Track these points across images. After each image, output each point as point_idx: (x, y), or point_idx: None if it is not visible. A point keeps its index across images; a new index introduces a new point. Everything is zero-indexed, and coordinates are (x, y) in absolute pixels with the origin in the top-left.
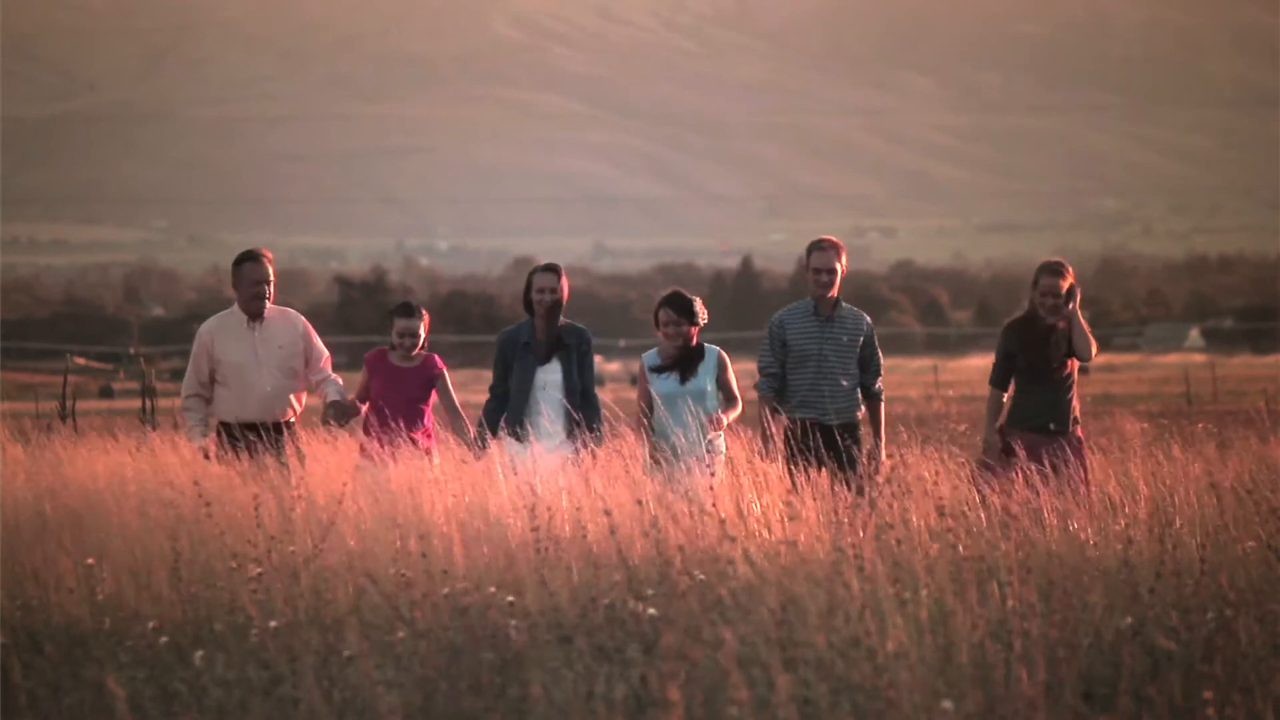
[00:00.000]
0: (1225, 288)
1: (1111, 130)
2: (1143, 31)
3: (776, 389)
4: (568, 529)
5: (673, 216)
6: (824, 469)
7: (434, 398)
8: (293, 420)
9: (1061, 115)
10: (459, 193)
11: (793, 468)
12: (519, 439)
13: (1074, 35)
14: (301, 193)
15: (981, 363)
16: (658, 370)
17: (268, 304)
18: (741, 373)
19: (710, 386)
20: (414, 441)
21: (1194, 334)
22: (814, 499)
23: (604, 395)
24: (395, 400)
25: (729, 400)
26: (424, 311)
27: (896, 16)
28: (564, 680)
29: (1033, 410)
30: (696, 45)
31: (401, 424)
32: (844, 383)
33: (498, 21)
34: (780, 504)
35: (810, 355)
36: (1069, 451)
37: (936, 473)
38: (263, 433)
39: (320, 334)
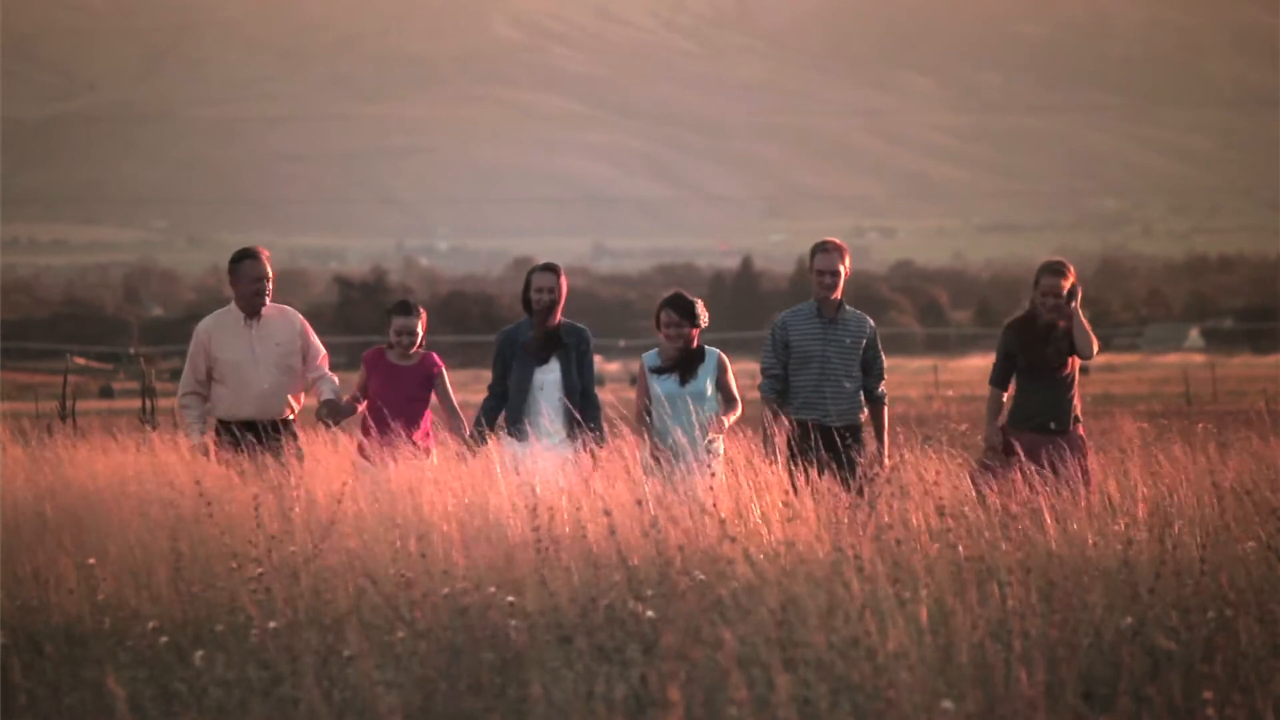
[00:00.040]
0: (1225, 288)
1: (1111, 130)
2: (1143, 31)
3: (779, 390)
4: (568, 529)
5: (672, 217)
6: (825, 470)
7: (432, 397)
8: (291, 418)
9: (1061, 115)
10: (459, 193)
11: (794, 469)
12: (519, 439)
13: (1074, 35)
14: (301, 193)
15: (981, 363)
16: (658, 371)
17: (267, 301)
18: (741, 373)
19: (710, 388)
20: (413, 441)
21: (1194, 334)
22: (814, 500)
23: (604, 395)
24: (394, 399)
25: (728, 402)
26: (421, 310)
27: (896, 16)
28: (564, 680)
29: (1033, 409)
30: (696, 45)
31: (400, 422)
32: (846, 384)
33: (498, 21)
34: (780, 505)
35: (813, 356)
36: (1070, 450)
37: (937, 473)
38: (261, 431)
39: (320, 334)
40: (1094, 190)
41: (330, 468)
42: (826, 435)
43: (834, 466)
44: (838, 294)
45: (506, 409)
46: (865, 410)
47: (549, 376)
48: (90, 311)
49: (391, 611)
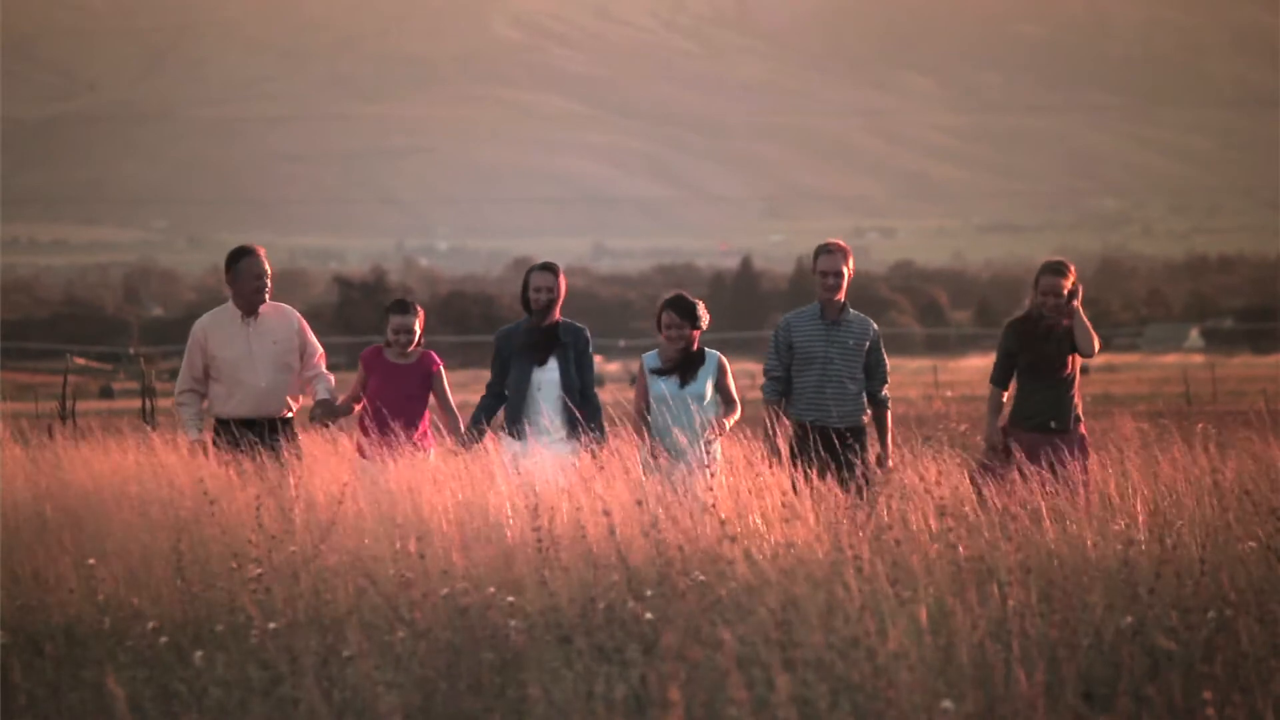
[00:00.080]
0: (1225, 288)
1: (1111, 130)
2: (1143, 31)
3: (781, 392)
4: (567, 529)
5: (672, 217)
6: (826, 472)
7: (430, 397)
8: (289, 416)
9: (1061, 115)
10: (459, 193)
11: (795, 470)
12: (518, 439)
13: (1074, 35)
14: (301, 193)
15: (981, 363)
16: (658, 373)
17: (266, 299)
18: (740, 373)
19: (709, 390)
20: (412, 439)
21: (1194, 334)
22: (813, 500)
23: (604, 395)
24: (393, 397)
25: (728, 404)
26: (419, 308)
27: (896, 16)
28: (564, 680)
29: (1034, 409)
30: (696, 45)
31: (399, 421)
32: (849, 386)
33: (498, 21)
34: (779, 505)
35: (816, 357)
36: (1070, 450)
37: (939, 472)
38: (259, 429)
39: (320, 334)
40: (1094, 190)
41: (330, 467)
42: (829, 436)
43: (834, 467)
44: (841, 295)
45: (506, 409)
46: (868, 412)
47: (547, 376)
48: (90, 311)
49: (391, 611)
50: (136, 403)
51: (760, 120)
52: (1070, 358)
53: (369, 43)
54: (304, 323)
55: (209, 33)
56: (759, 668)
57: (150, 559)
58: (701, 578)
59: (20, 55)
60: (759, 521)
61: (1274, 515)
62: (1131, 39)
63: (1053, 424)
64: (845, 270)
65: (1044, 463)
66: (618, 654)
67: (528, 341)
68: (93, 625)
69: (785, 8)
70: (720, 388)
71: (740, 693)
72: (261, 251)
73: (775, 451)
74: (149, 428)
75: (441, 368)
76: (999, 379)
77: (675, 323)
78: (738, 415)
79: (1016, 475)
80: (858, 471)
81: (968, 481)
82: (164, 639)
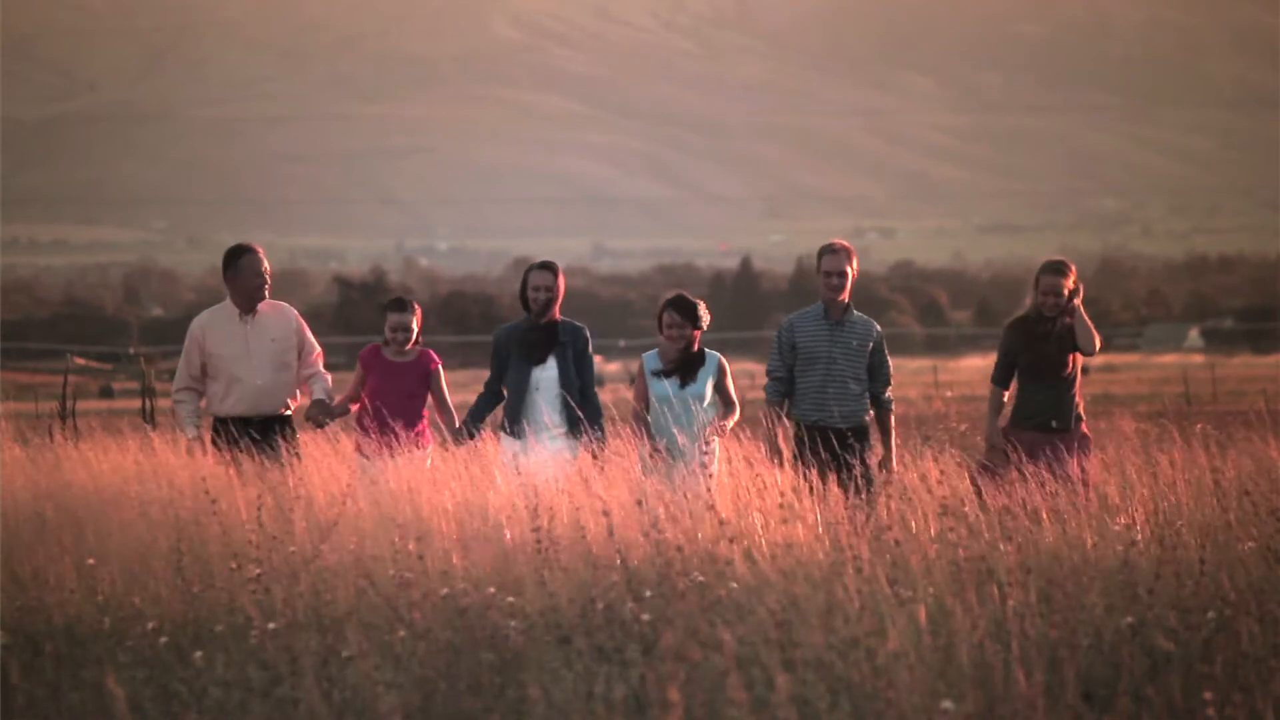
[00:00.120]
0: (1225, 288)
1: (1111, 130)
2: (1143, 31)
3: (784, 393)
4: (567, 529)
5: (672, 217)
6: (827, 472)
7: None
8: (288, 414)
9: (1061, 115)
10: (458, 193)
11: (798, 470)
12: (518, 438)
13: (1074, 35)
14: (301, 193)
15: (980, 363)
16: (658, 374)
17: (266, 296)
18: (740, 373)
19: (709, 391)
20: (413, 437)
21: (1193, 334)
22: (813, 500)
23: (604, 395)
24: (391, 395)
25: (727, 405)
26: (417, 306)
27: (896, 16)
28: (563, 681)
29: (1035, 408)
30: (696, 46)
31: (398, 419)
32: (852, 386)
33: (498, 21)
34: (779, 505)
35: (819, 357)
36: (1070, 449)
37: (941, 472)
38: (257, 427)
39: (320, 334)
40: (1094, 190)
41: (330, 467)
42: (831, 437)
43: (837, 468)
44: (845, 296)
45: (505, 408)
46: (870, 413)
47: (546, 375)
48: (90, 311)
49: (391, 611)
50: (136, 403)
51: (760, 120)
52: (1071, 357)
53: (369, 43)
54: (302, 321)
55: (209, 33)
56: (759, 668)
57: (150, 559)
58: (701, 578)
59: (20, 55)
60: (759, 522)
61: (1274, 515)
62: (1131, 39)
63: (1054, 424)
64: (849, 270)
65: (1043, 462)
66: (617, 654)
67: (526, 340)
68: (93, 625)
69: (785, 8)
70: (720, 388)
71: (740, 693)
72: (260, 250)
73: (776, 452)
74: (149, 428)
75: (440, 366)
76: (1000, 379)
77: (676, 322)
78: (736, 416)
79: (1016, 475)
80: (855, 471)
81: (968, 481)
82: (164, 639)
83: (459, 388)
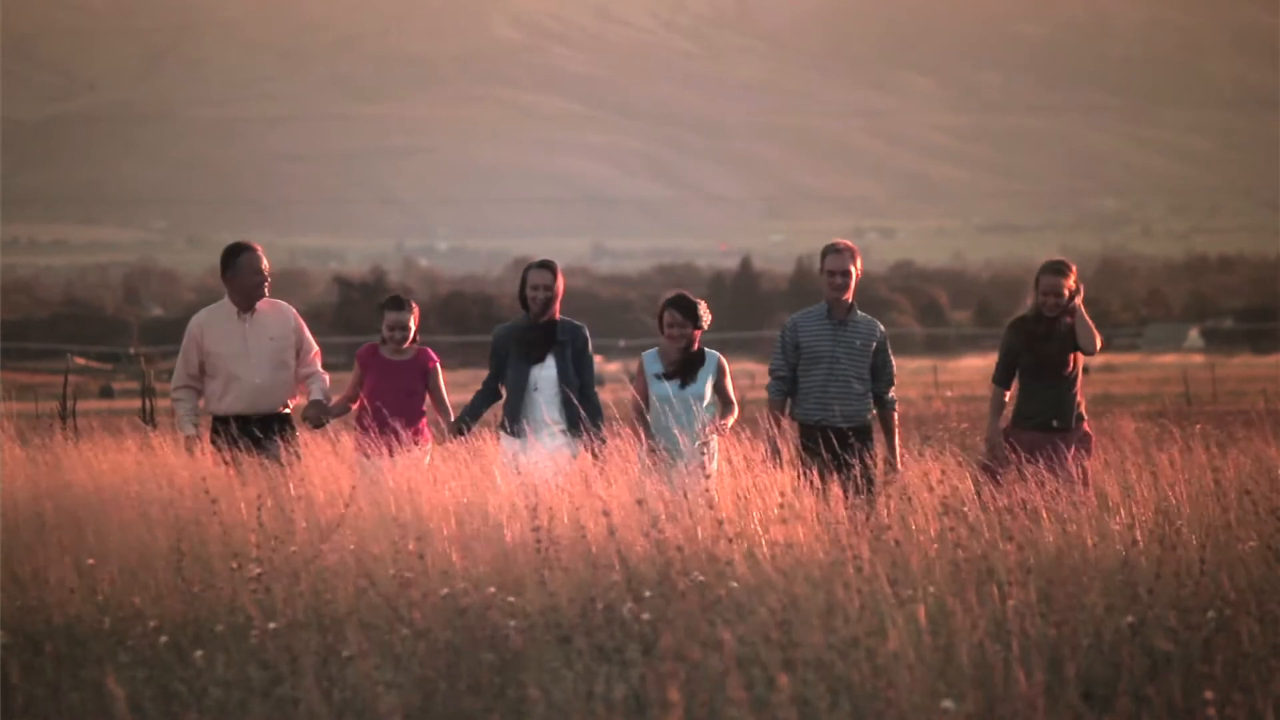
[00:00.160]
0: (1225, 288)
1: (1111, 130)
2: (1143, 31)
3: (786, 392)
4: (567, 529)
5: (672, 217)
6: (833, 472)
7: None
8: (286, 413)
9: (1061, 115)
10: (458, 193)
11: (805, 469)
12: (518, 437)
13: (1074, 35)
14: (301, 193)
15: (981, 363)
16: (659, 376)
17: (265, 294)
18: (740, 373)
19: (708, 391)
20: (412, 435)
21: (1194, 334)
22: (814, 500)
23: (604, 395)
24: (390, 393)
25: (726, 405)
26: (414, 305)
27: (896, 16)
28: (563, 680)
29: (1036, 408)
30: (696, 46)
31: (397, 417)
32: (855, 386)
33: (498, 22)
34: (778, 505)
35: (822, 356)
36: (1070, 448)
37: (943, 472)
38: (255, 426)
39: (320, 334)
40: (1094, 190)
41: (330, 466)
42: (834, 437)
43: (840, 468)
44: (849, 295)
45: (505, 407)
46: (873, 413)
47: (545, 374)
48: (90, 311)
49: (391, 611)
50: (136, 403)
51: (760, 120)
52: (1072, 357)
53: (369, 43)
54: (300, 320)
55: (209, 33)
56: (759, 668)
57: (150, 559)
58: (701, 578)
59: (20, 55)
60: (758, 521)
61: (1274, 515)
62: (1131, 39)
63: (1055, 423)
64: (853, 270)
65: (1044, 462)
66: (617, 654)
67: (525, 339)
68: (93, 625)
69: (785, 8)
70: (719, 388)
71: (740, 693)
72: (259, 248)
73: (776, 452)
74: (149, 428)
75: (438, 364)
76: (1001, 379)
77: (677, 321)
78: (735, 416)
79: (1016, 475)
80: (855, 471)
81: (969, 481)
82: (164, 639)
83: (459, 388)
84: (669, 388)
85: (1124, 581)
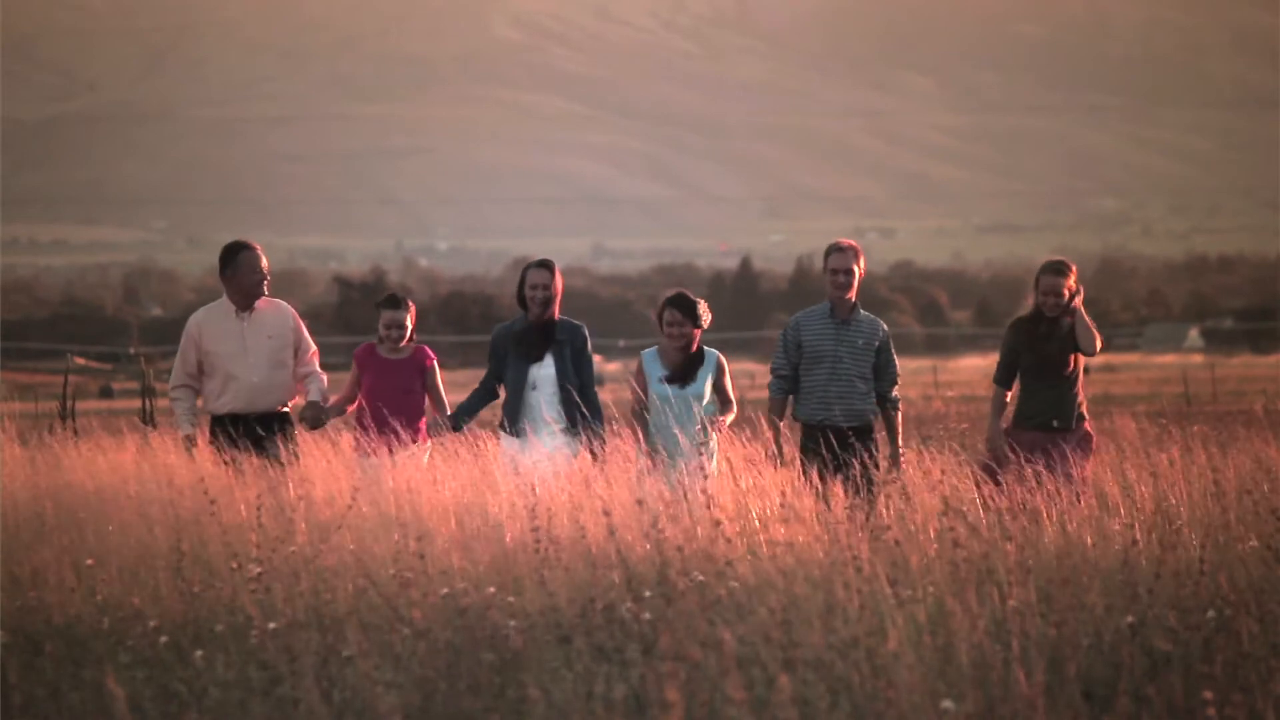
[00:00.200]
0: (1225, 288)
1: (1111, 130)
2: (1143, 31)
3: (787, 391)
4: (567, 529)
5: (672, 217)
6: (835, 472)
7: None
8: (286, 412)
9: (1061, 115)
10: (458, 193)
11: (806, 469)
12: (517, 436)
13: (1074, 35)
14: (301, 193)
15: (980, 363)
16: (661, 380)
17: (265, 293)
18: (739, 373)
19: (708, 390)
20: (410, 434)
21: (1193, 334)
22: (815, 500)
23: (604, 395)
24: (388, 391)
25: (725, 404)
26: (410, 303)
27: (896, 16)
28: (563, 681)
29: (1037, 408)
30: (696, 46)
31: (398, 417)
32: (858, 385)
33: (498, 22)
34: (778, 505)
35: (825, 356)
36: (1072, 448)
37: (943, 472)
38: (254, 425)
39: (320, 334)
40: (1094, 190)
41: (329, 466)
42: (836, 436)
43: (842, 467)
44: (852, 295)
45: (504, 407)
46: (876, 413)
47: (544, 373)
48: (90, 311)
49: (391, 611)
50: (136, 403)
51: (760, 120)
52: (1073, 357)
53: (369, 43)
54: (299, 319)
55: (209, 33)
56: (759, 668)
57: (150, 559)
58: (701, 578)
59: (20, 55)
60: (758, 522)
61: (1274, 515)
62: (1131, 39)
63: (1055, 423)
64: (856, 269)
65: (1044, 462)
66: (617, 654)
67: (523, 338)
68: (92, 625)
69: (785, 8)
70: (718, 387)
71: (740, 693)
72: (258, 246)
73: (777, 451)
74: (149, 428)
75: (435, 362)
76: (1002, 379)
77: (677, 320)
78: (734, 415)
79: (1016, 475)
80: (855, 471)
81: (969, 481)
82: (164, 639)
83: (459, 388)
84: (668, 387)
85: (1124, 581)
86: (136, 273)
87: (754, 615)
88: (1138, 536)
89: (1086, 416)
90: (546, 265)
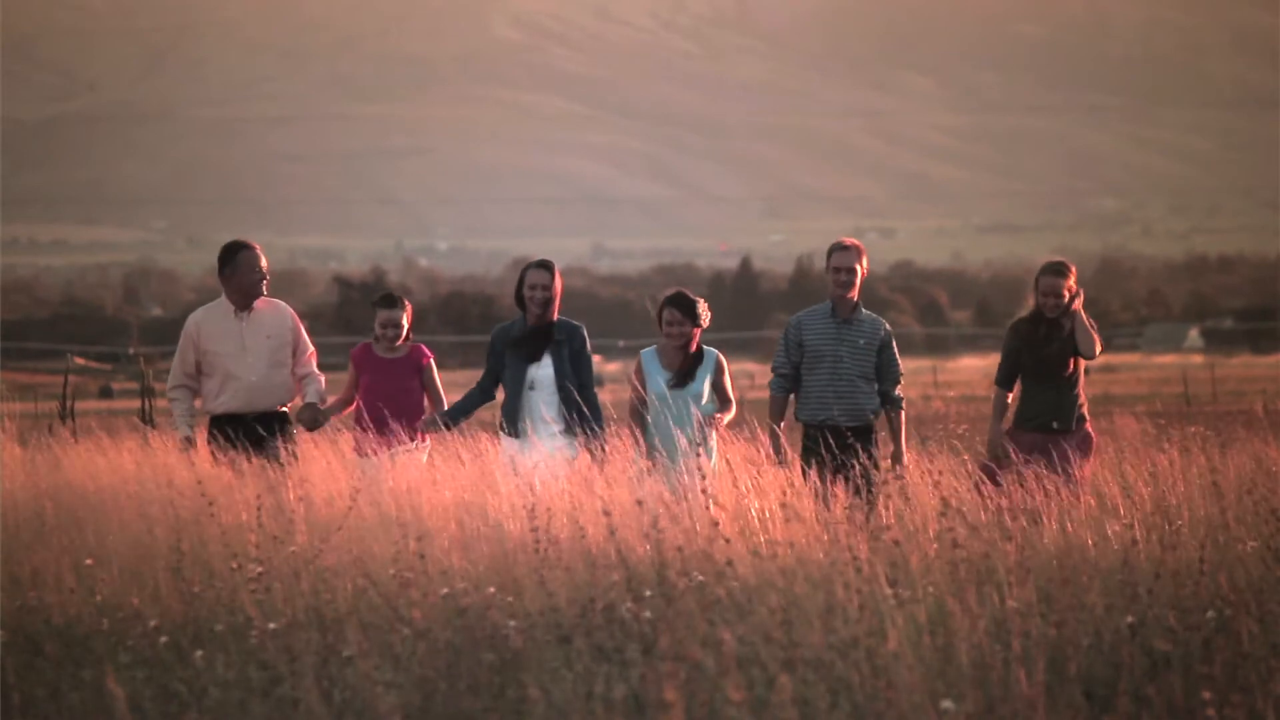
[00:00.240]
0: (1225, 288)
1: (1111, 130)
2: (1143, 31)
3: (788, 389)
4: (566, 529)
5: (672, 217)
6: (836, 472)
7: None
8: (284, 411)
9: (1061, 115)
10: (458, 193)
11: (805, 469)
12: (516, 437)
13: (1074, 35)
14: (301, 193)
15: (980, 363)
16: (667, 383)
17: (264, 292)
18: (739, 373)
19: (707, 389)
20: (409, 429)
21: (1193, 334)
22: (814, 501)
23: (603, 395)
24: (385, 390)
25: (724, 403)
26: (406, 302)
27: (896, 16)
28: (563, 681)
29: (1037, 410)
30: (695, 46)
31: (397, 416)
32: (860, 385)
33: (498, 22)
34: (778, 505)
35: (825, 355)
36: (1072, 449)
37: (941, 473)
38: (252, 425)
39: (320, 334)
40: (1094, 190)
41: (329, 466)
42: (837, 436)
43: (843, 467)
44: (854, 293)
45: (503, 407)
46: (879, 412)
47: (541, 373)
48: (90, 311)
49: (391, 611)
50: (136, 403)
51: (760, 120)
52: (1072, 359)
53: (369, 43)
54: (298, 320)
55: (209, 33)
56: (759, 668)
57: (150, 559)
58: (701, 578)
59: (20, 55)
60: (758, 521)
61: (1274, 515)
62: (1131, 39)
63: (1055, 424)
64: (859, 268)
65: (1044, 462)
66: (617, 654)
67: (522, 339)
68: (92, 625)
69: (785, 8)
70: (717, 386)
71: (740, 693)
72: (258, 246)
73: (777, 451)
74: (148, 427)
75: (432, 360)
76: (1004, 380)
77: (676, 319)
78: (733, 414)
79: (1016, 477)
80: (855, 471)
81: (968, 481)
82: (164, 639)
83: (458, 388)
84: (666, 386)
85: (1124, 581)
86: (136, 273)
87: (754, 615)
88: (1138, 536)
89: (1087, 418)
90: (546, 266)
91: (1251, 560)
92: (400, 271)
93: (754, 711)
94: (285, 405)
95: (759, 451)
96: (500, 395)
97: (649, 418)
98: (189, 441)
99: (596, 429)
